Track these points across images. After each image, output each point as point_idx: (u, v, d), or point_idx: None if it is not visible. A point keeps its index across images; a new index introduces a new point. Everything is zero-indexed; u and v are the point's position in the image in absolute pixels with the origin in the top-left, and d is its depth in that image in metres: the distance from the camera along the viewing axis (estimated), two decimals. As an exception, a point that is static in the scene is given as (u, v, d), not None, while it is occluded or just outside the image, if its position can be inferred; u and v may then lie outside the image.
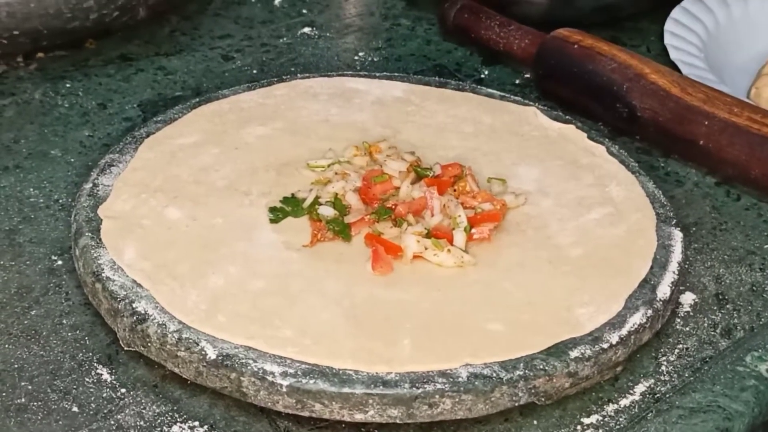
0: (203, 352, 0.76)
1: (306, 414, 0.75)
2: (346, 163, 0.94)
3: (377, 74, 1.10)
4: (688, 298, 0.89)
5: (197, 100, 1.04)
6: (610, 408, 0.79)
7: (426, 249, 0.85)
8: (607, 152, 0.99)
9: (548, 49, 1.11)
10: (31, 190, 0.97)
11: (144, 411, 0.76)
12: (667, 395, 0.80)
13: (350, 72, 1.14)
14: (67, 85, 1.12)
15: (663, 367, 0.82)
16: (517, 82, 1.17)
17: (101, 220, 0.87)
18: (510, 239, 0.89)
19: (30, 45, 1.13)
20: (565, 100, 1.09)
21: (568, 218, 0.91)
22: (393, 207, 0.89)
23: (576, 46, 1.08)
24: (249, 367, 0.75)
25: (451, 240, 0.87)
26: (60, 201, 0.95)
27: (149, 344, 0.78)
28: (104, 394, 0.78)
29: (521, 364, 0.77)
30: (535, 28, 1.15)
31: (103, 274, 0.82)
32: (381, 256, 0.85)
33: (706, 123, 0.99)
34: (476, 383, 0.75)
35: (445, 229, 0.87)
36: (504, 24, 1.17)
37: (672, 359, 0.83)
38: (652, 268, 0.86)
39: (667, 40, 1.18)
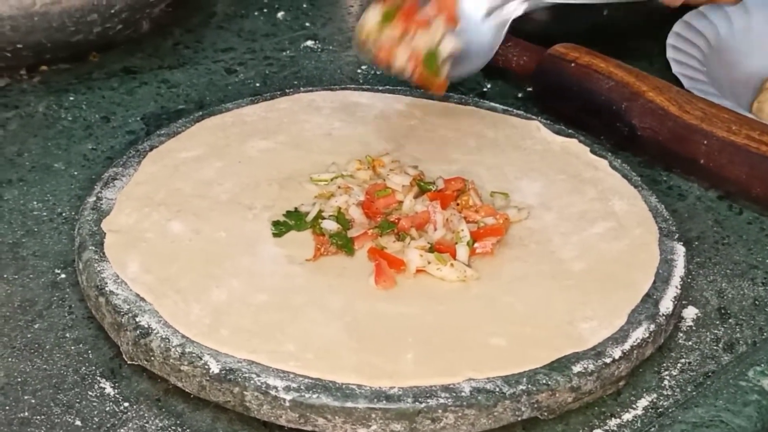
0: (206, 366, 0.76)
1: (309, 428, 0.75)
2: (349, 177, 0.95)
3: (380, 88, 1.11)
4: (690, 313, 0.89)
5: (200, 113, 1.04)
6: (613, 422, 0.79)
7: (429, 263, 0.85)
8: (610, 166, 1.00)
9: (546, 68, 1.11)
10: (35, 203, 0.97)
11: (147, 425, 0.77)
12: (670, 410, 0.80)
13: (353, 85, 1.14)
14: (71, 98, 1.12)
15: (665, 382, 0.82)
16: (520, 95, 1.17)
17: (104, 233, 0.88)
18: (513, 253, 0.89)
19: (33, 58, 1.13)
20: (566, 117, 1.09)
21: (570, 232, 0.91)
22: (396, 221, 0.89)
23: (573, 64, 1.09)
24: (252, 382, 0.75)
25: (454, 254, 0.87)
26: (63, 214, 0.96)
27: (152, 358, 0.78)
28: (107, 408, 0.78)
29: (524, 379, 0.77)
30: (534, 42, 1.15)
31: (106, 288, 0.82)
32: (384, 270, 0.85)
33: (705, 142, 1.00)
34: (479, 398, 0.75)
35: (447, 243, 0.87)
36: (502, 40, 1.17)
37: (674, 374, 0.83)
38: (654, 282, 0.86)
39: (669, 54, 1.18)
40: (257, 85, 1.17)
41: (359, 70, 1.20)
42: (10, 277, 0.88)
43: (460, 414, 0.75)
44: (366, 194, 0.91)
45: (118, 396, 0.79)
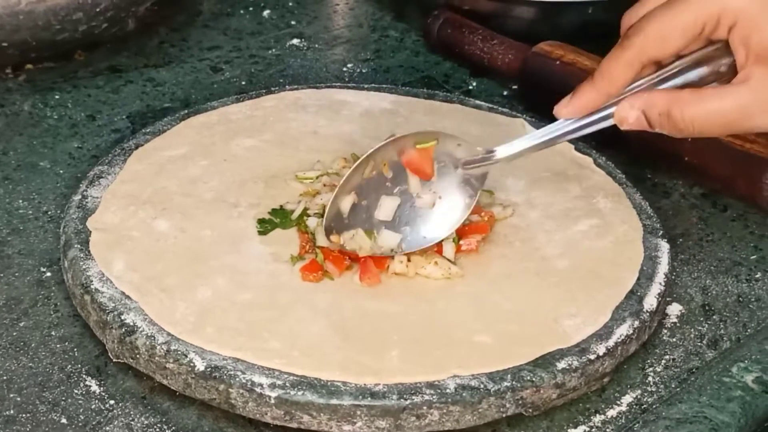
0: (192, 364, 0.76)
1: (294, 425, 0.75)
2: (334, 175, 0.94)
3: (366, 86, 1.11)
4: (674, 309, 0.89)
5: (186, 111, 1.04)
6: (597, 419, 0.79)
7: (410, 262, 0.85)
8: (595, 164, 1.00)
9: (531, 66, 1.11)
10: (20, 201, 0.97)
11: (133, 423, 0.77)
12: (654, 406, 0.80)
13: (339, 83, 1.14)
14: (56, 97, 1.12)
15: (650, 378, 0.83)
16: (505, 93, 1.17)
17: (90, 232, 0.88)
18: (497, 251, 0.89)
19: (19, 57, 1.13)
20: (551, 114, 1.09)
21: (555, 230, 0.92)
22: None
23: (558, 62, 1.09)
24: (237, 379, 0.75)
25: (440, 251, 0.87)
26: (49, 213, 0.96)
27: (138, 356, 0.78)
28: (93, 406, 0.78)
29: (509, 376, 0.77)
30: (519, 40, 1.15)
31: (91, 286, 0.82)
32: (369, 268, 0.85)
33: (690, 140, 1.00)
34: (464, 394, 0.75)
35: (432, 240, 0.87)
36: (487, 38, 1.17)
37: (659, 370, 0.84)
38: (638, 279, 0.87)
39: (654, 51, 1.18)
40: (243, 83, 1.17)
41: (345, 69, 1.21)
42: (-5, 275, 0.89)
43: (444, 410, 0.75)
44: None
45: (103, 394, 0.79)
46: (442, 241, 0.87)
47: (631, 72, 0.81)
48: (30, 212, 0.96)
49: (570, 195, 0.96)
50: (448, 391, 0.75)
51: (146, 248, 0.87)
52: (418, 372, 0.77)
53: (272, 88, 1.10)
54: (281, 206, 0.92)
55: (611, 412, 0.80)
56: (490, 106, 1.08)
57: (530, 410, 0.78)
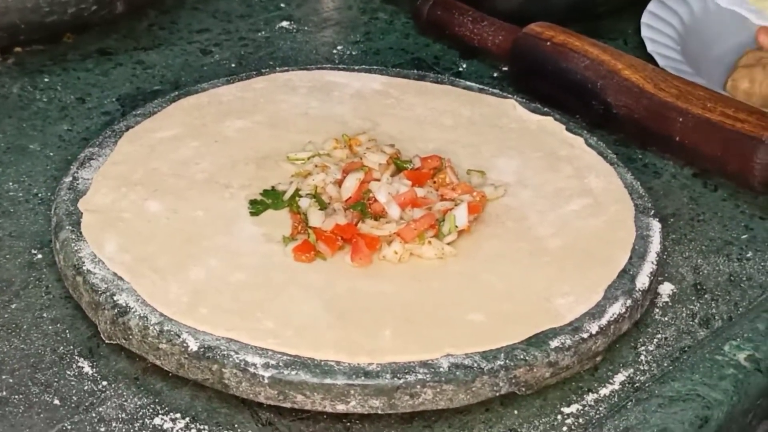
0: (185, 344, 0.76)
1: (288, 405, 0.75)
2: (326, 156, 0.95)
3: (356, 67, 1.10)
4: (666, 289, 0.89)
5: (176, 93, 1.04)
6: (590, 397, 0.79)
7: (401, 248, 0.86)
8: (586, 144, 1.00)
9: (521, 47, 1.11)
10: (10, 184, 0.96)
11: (125, 403, 0.77)
12: (647, 384, 0.80)
13: (329, 65, 1.14)
14: (46, 80, 1.12)
15: (642, 357, 0.83)
16: (495, 75, 1.17)
17: (81, 213, 0.87)
18: (490, 231, 0.89)
19: (7, 39, 1.13)
20: (542, 96, 1.09)
21: (547, 209, 0.92)
22: (370, 202, 0.88)
23: (548, 43, 1.09)
24: (231, 359, 0.75)
25: (435, 230, 0.86)
26: (39, 195, 0.95)
27: (130, 337, 0.78)
28: (85, 387, 0.78)
29: (502, 354, 0.77)
30: (509, 21, 1.15)
31: (83, 267, 0.82)
32: (360, 248, 0.85)
33: (681, 120, 1.00)
34: (457, 373, 0.75)
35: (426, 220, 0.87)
36: (477, 20, 1.17)
37: (651, 349, 0.84)
38: (630, 258, 0.87)
39: (644, 32, 1.18)
40: (233, 65, 1.17)
41: (335, 51, 1.20)
42: (-14, 257, 0.88)
43: (438, 390, 0.75)
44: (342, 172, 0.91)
45: (96, 375, 0.79)
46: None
47: None
48: (20, 195, 0.95)
49: (562, 175, 0.96)
50: (441, 370, 0.76)
51: (138, 229, 0.86)
52: (411, 351, 0.77)
53: (262, 70, 1.09)
54: (273, 187, 0.91)
55: (604, 391, 0.80)
56: (481, 87, 1.08)
57: (523, 389, 0.78)
